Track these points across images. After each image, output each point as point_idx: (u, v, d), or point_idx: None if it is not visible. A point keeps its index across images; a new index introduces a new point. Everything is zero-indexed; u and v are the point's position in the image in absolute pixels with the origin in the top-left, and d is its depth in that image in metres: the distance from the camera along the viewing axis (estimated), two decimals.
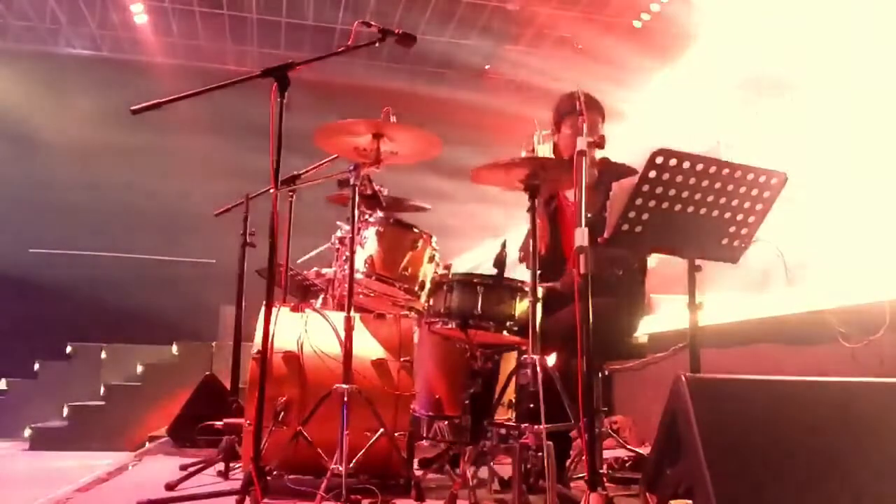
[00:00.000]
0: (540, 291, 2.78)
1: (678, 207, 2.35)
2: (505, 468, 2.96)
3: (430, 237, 3.36)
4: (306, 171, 3.68)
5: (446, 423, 3.58)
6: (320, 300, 3.92)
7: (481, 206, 7.26)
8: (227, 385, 4.46)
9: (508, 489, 2.70)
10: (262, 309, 2.64)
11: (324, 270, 3.73)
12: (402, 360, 3.22)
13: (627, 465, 3.52)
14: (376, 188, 3.37)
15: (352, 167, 3.09)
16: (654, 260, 3.38)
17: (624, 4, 8.11)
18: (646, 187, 2.30)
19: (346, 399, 2.79)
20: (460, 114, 8.28)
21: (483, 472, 2.91)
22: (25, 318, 7.70)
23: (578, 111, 2.54)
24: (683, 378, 1.93)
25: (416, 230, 3.32)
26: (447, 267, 3.39)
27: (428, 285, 3.27)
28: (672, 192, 2.32)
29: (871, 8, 5.87)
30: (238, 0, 8.35)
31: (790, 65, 6.87)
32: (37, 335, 7.38)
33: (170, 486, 3.06)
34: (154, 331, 7.32)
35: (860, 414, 1.99)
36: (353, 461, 2.77)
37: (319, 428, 2.85)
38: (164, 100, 2.50)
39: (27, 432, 6.02)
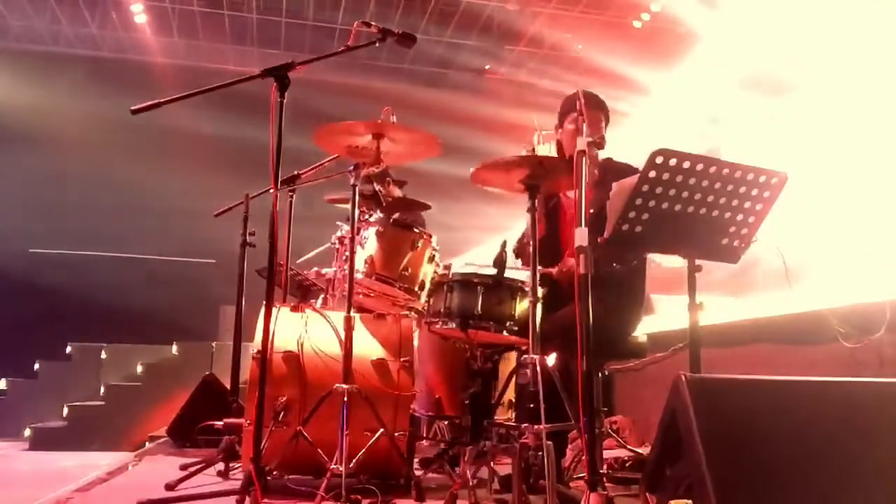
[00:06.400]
0: (540, 291, 2.78)
1: (678, 207, 2.34)
2: (505, 468, 2.97)
3: (430, 237, 3.36)
4: (306, 171, 3.68)
5: (446, 423, 3.58)
6: (320, 300, 3.92)
7: (481, 206, 7.26)
8: (227, 385, 4.47)
9: (508, 489, 2.70)
10: (262, 309, 2.64)
11: (324, 270, 3.73)
12: (402, 360, 3.22)
13: (627, 465, 3.52)
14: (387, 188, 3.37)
15: (352, 167, 3.09)
16: (672, 260, 3.37)
17: (624, 4, 8.11)
18: (646, 187, 2.30)
19: (346, 399, 2.79)
20: (460, 114, 8.29)
21: (483, 472, 2.91)
22: (25, 318, 7.69)
23: (578, 111, 2.53)
24: (683, 378, 1.93)
25: (416, 230, 3.32)
26: (447, 267, 3.40)
27: (428, 285, 3.27)
28: (672, 192, 2.32)
29: (871, 7, 5.87)
30: (238, 0, 8.35)
31: (790, 64, 6.87)
32: (37, 335, 7.37)
33: (170, 486, 3.06)
34: (154, 331, 7.31)
35: (860, 414, 1.99)
36: (353, 461, 2.77)
37: (319, 428, 2.85)
38: (164, 100, 2.50)
39: (27, 432, 6.01)
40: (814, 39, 6.49)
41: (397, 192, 4.07)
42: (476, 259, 3.19)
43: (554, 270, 3.22)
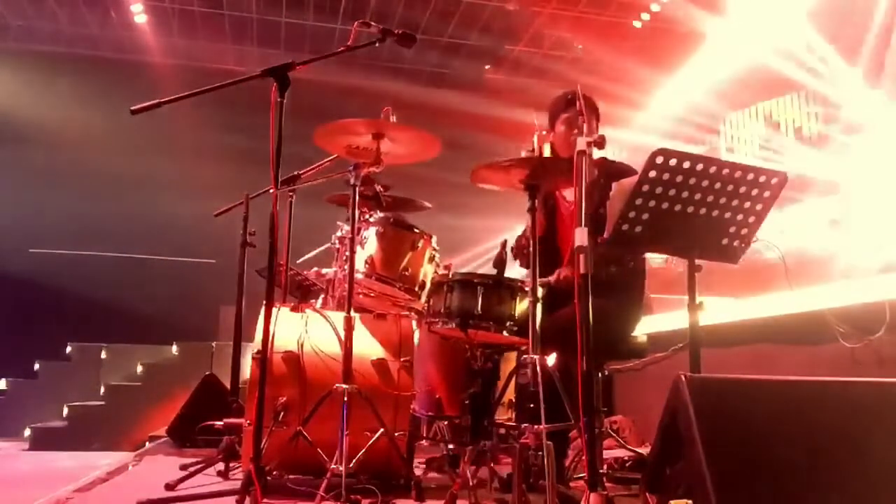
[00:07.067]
0: (540, 291, 2.77)
1: (678, 207, 2.35)
2: (505, 468, 2.96)
3: (430, 237, 3.36)
4: (306, 171, 3.68)
5: (446, 423, 3.58)
6: (320, 300, 3.92)
7: (480, 206, 7.26)
8: (227, 385, 4.47)
9: (508, 489, 2.70)
10: (262, 309, 2.64)
11: (324, 270, 3.73)
12: (402, 360, 3.22)
13: (627, 465, 3.52)
14: (377, 189, 3.38)
15: (352, 167, 3.09)
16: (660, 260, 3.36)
17: (624, 4, 8.11)
18: (646, 187, 2.30)
19: (346, 399, 2.79)
20: (460, 114, 8.29)
21: (483, 472, 2.91)
22: (25, 318, 7.69)
23: (578, 111, 2.53)
24: (683, 378, 1.93)
25: (416, 230, 3.33)
26: (447, 267, 3.40)
27: (428, 285, 3.28)
28: (672, 192, 2.32)
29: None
30: (238, 0, 8.35)
31: (790, 63, 6.88)
32: (37, 335, 7.37)
33: (170, 486, 3.06)
34: (154, 331, 7.32)
35: (860, 414, 1.99)
36: (353, 461, 2.77)
37: (319, 428, 2.85)
38: (164, 100, 2.50)
39: (27, 432, 6.02)
40: (813, 37, 6.50)
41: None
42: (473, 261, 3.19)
43: (552, 279, 3.20)
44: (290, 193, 3.82)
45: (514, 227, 3.55)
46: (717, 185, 2.35)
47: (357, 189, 3.07)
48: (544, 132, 3.26)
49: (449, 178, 4.99)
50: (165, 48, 8.78)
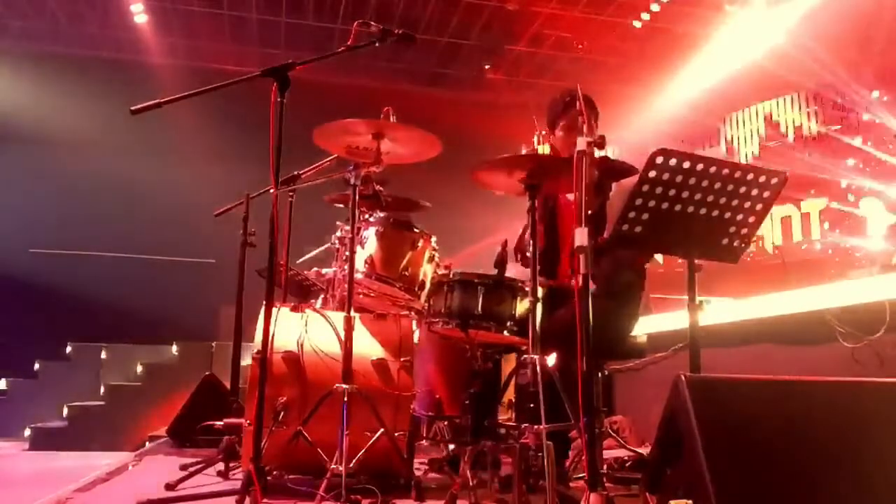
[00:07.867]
0: (540, 291, 2.77)
1: (678, 207, 2.34)
2: (505, 468, 2.96)
3: (430, 237, 3.36)
4: (306, 171, 3.68)
5: (446, 423, 3.58)
6: (320, 300, 3.92)
7: (481, 206, 7.26)
8: (227, 385, 4.46)
9: (508, 489, 2.70)
10: (262, 309, 2.64)
11: (324, 270, 3.73)
12: (402, 360, 3.22)
13: (627, 465, 3.52)
14: (377, 188, 3.38)
15: (352, 167, 3.09)
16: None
17: (624, 4, 8.11)
18: (646, 187, 2.30)
19: (346, 399, 2.79)
20: (459, 114, 8.29)
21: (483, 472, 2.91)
22: (25, 318, 7.69)
23: (578, 110, 2.53)
24: (683, 378, 1.93)
25: (416, 230, 3.32)
26: (447, 267, 3.39)
27: (428, 285, 3.27)
28: (672, 192, 2.32)
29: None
30: (238, 0, 8.35)
31: (790, 64, 6.88)
32: (37, 335, 7.37)
33: (170, 486, 3.06)
34: (154, 331, 7.32)
35: (860, 414, 1.99)
36: (353, 461, 2.77)
37: (319, 428, 2.85)
38: (164, 100, 2.49)
39: (27, 432, 6.02)
40: (813, 37, 6.50)
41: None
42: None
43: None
44: (290, 193, 3.83)
45: (515, 227, 3.55)
46: (717, 185, 2.35)
47: (357, 189, 3.07)
48: (544, 132, 3.27)
49: (449, 178, 4.99)
50: (165, 48, 8.78)
